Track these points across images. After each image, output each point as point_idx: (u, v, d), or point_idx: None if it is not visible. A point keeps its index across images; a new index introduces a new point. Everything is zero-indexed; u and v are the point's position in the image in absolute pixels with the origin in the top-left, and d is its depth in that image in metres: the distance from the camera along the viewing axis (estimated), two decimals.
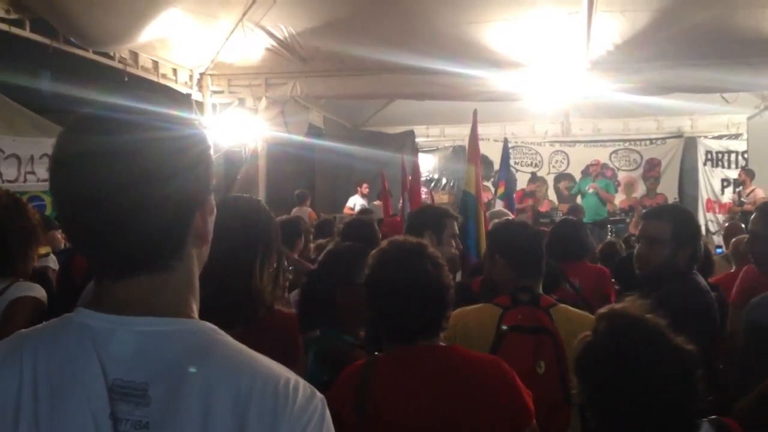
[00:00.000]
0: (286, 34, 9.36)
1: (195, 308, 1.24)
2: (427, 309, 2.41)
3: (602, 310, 2.14)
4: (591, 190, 13.34)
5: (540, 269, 3.24)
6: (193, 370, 1.13)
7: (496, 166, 16.04)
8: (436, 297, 2.43)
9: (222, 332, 1.21)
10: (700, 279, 3.33)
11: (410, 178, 8.28)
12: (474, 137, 6.20)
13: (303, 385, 1.19)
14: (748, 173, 12.57)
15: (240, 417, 1.11)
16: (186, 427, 1.10)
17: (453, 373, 2.33)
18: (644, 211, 4.70)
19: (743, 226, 7.30)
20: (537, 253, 3.28)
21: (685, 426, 1.95)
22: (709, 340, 3.02)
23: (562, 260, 4.56)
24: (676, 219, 3.37)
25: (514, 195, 8.00)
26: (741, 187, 12.48)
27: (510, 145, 16.05)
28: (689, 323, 2.77)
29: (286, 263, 3.21)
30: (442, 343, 2.45)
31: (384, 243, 2.58)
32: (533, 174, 16.12)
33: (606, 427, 2.02)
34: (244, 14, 8.92)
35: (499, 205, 7.28)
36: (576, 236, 5.34)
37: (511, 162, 15.97)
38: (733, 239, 5.79)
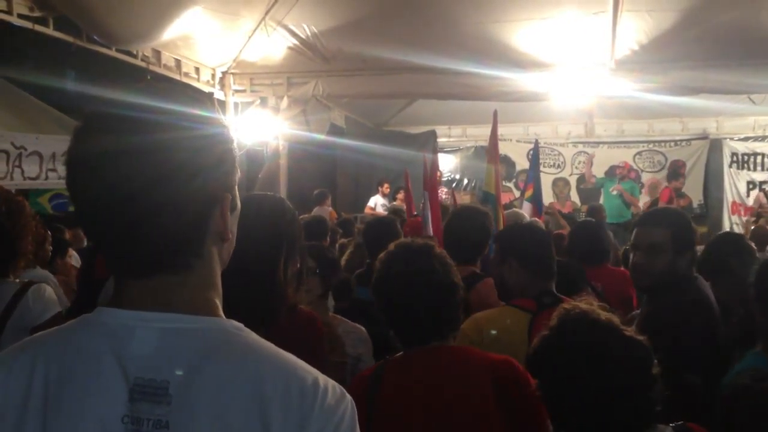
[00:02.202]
0: (309, 33, 9.36)
1: (219, 306, 1.22)
2: (436, 308, 2.41)
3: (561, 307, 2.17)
4: (615, 192, 13.23)
5: (553, 270, 3.25)
6: (216, 368, 1.11)
7: (519, 167, 16.05)
8: (445, 296, 2.44)
9: (246, 330, 1.20)
10: (702, 285, 3.23)
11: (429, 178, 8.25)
12: (494, 137, 6.17)
13: (332, 385, 1.17)
14: None
15: (263, 416, 1.09)
16: (206, 426, 1.09)
17: (466, 375, 2.33)
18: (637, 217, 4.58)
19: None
20: (549, 254, 3.29)
21: (642, 420, 1.95)
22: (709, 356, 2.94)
23: (583, 263, 4.52)
24: (675, 224, 3.26)
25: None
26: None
27: (532, 146, 16.08)
28: (690, 341, 2.74)
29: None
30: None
31: (391, 245, 2.59)
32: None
33: (562, 422, 2.04)
34: (266, 13, 8.93)
35: (526, 208, 7.21)
36: (597, 239, 5.24)
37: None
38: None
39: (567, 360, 1.98)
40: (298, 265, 2.55)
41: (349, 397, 1.18)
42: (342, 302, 4.52)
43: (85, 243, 6.89)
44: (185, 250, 1.18)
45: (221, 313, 1.22)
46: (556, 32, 8.98)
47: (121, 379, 1.10)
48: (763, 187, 12.53)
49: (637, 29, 8.87)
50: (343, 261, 5.31)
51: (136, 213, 1.11)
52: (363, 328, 3.81)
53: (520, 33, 9.09)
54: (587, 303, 2.11)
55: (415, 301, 2.38)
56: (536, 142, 9.18)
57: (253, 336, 1.19)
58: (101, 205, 1.13)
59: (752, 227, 9.44)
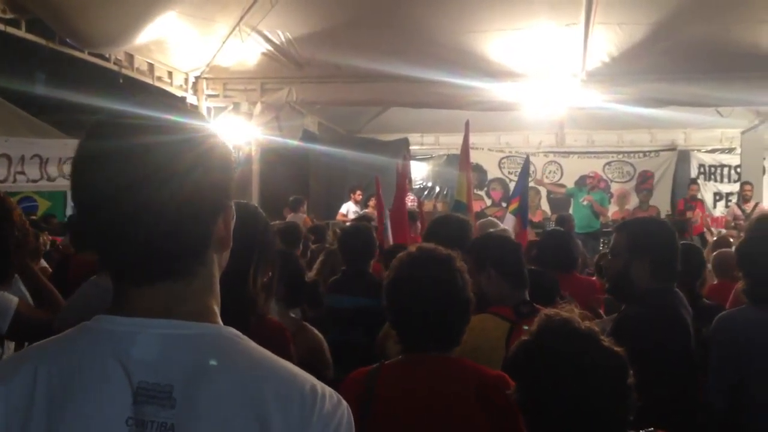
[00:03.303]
0: (283, 40, 9.36)
1: (217, 313, 1.24)
2: (449, 321, 2.40)
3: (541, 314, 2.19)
4: (585, 202, 13.36)
5: (526, 279, 3.29)
6: (218, 373, 1.13)
7: (490, 175, 16.16)
8: (459, 310, 2.43)
9: (245, 338, 1.21)
10: (675, 297, 3.18)
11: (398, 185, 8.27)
12: (465, 147, 6.21)
13: (330, 392, 1.20)
14: (750, 186, 12.36)
15: (264, 421, 1.12)
16: (210, 429, 1.11)
17: (460, 388, 2.31)
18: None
19: (731, 240, 7.34)
20: (522, 263, 3.35)
21: (616, 430, 1.97)
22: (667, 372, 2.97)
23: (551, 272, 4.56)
24: (633, 230, 3.30)
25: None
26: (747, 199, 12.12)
27: (504, 155, 16.23)
28: (647, 352, 2.76)
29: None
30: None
31: (413, 248, 2.56)
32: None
33: (536, 429, 2.05)
34: (241, 19, 8.91)
35: (509, 220, 7.19)
36: (565, 247, 5.30)
37: (505, 172, 16.09)
38: (714, 253, 5.81)
39: (544, 366, 1.98)
40: (270, 274, 2.55)
41: (345, 403, 1.21)
42: (315, 310, 4.52)
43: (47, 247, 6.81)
44: (190, 257, 1.20)
45: (219, 320, 1.23)
46: (528, 43, 9.08)
47: (124, 382, 1.12)
48: (730, 198, 12.72)
49: (608, 41, 8.99)
50: (314, 268, 5.30)
51: (138, 218, 1.13)
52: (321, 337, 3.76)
53: (493, 43, 9.17)
54: (568, 311, 2.12)
55: (429, 309, 2.36)
56: (527, 158, 9.17)
57: (252, 343, 1.21)
58: (107, 213, 1.14)
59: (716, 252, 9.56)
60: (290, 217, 10.44)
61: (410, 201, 13.41)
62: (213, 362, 1.14)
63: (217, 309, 1.24)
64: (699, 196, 12.54)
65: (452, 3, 8.68)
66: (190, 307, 1.19)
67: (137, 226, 1.13)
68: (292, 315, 3.73)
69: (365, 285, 4.49)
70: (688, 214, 12.66)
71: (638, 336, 2.96)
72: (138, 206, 1.12)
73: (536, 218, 14.59)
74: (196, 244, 1.20)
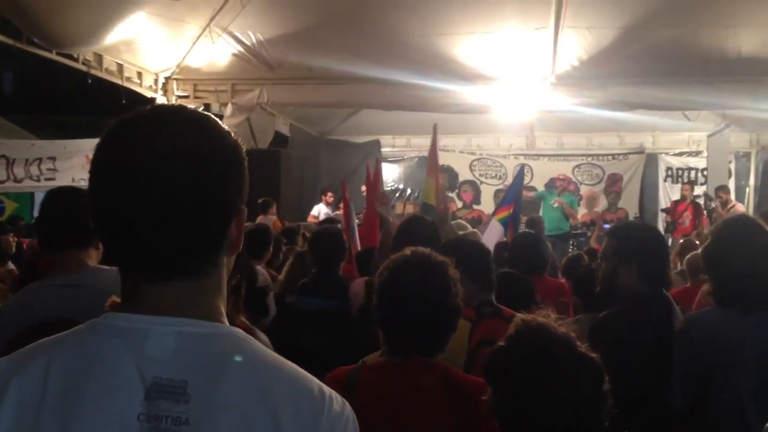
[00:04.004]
0: (254, 41, 9.33)
1: (224, 313, 1.25)
2: (435, 327, 2.39)
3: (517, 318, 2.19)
4: (556, 205, 13.46)
5: (493, 282, 3.34)
6: (232, 370, 1.15)
7: (461, 178, 16.23)
8: (449, 318, 2.42)
9: (253, 339, 1.24)
10: (660, 303, 3.26)
11: (365, 187, 8.26)
12: (433, 150, 6.24)
13: (335, 394, 1.23)
14: (725, 190, 12.48)
15: (277, 419, 1.13)
16: (224, 425, 1.12)
17: (441, 395, 2.30)
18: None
19: (697, 242, 7.42)
20: (491, 266, 3.39)
21: None
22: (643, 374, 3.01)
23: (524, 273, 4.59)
24: (622, 235, 3.41)
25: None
26: (726, 206, 12.14)
27: (475, 157, 16.30)
28: (623, 355, 2.80)
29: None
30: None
31: (407, 251, 2.52)
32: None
33: None
34: (211, 19, 8.87)
35: (495, 227, 7.17)
36: (536, 250, 5.36)
37: (476, 174, 16.17)
38: (688, 255, 5.89)
39: (520, 371, 1.99)
40: (238, 276, 2.54)
41: (348, 405, 1.24)
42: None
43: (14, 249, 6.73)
44: (205, 257, 1.21)
45: (227, 321, 1.25)
46: (498, 46, 9.14)
47: (137, 378, 1.12)
48: (697, 200, 12.85)
49: (577, 45, 9.08)
50: (283, 270, 5.29)
51: (164, 218, 1.14)
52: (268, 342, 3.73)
53: (463, 46, 9.22)
54: (545, 316, 2.12)
55: (420, 315, 2.35)
56: (522, 167, 9.17)
57: (259, 344, 1.23)
58: (127, 210, 1.15)
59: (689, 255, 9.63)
60: (260, 219, 10.39)
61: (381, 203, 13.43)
62: (227, 361, 1.16)
63: (224, 310, 1.25)
64: (691, 198, 12.65)
65: (423, 6, 8.71)
66: (202, 306, 1.20)
67: (160, 224, 1.14)
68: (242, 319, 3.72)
69: (335, 287, 4.49)
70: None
71: (611, 333, 3.04)
72: (163, 206, 1.14)
73: None
74: (212, 244, 1.21)
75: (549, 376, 1.95)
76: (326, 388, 1.22)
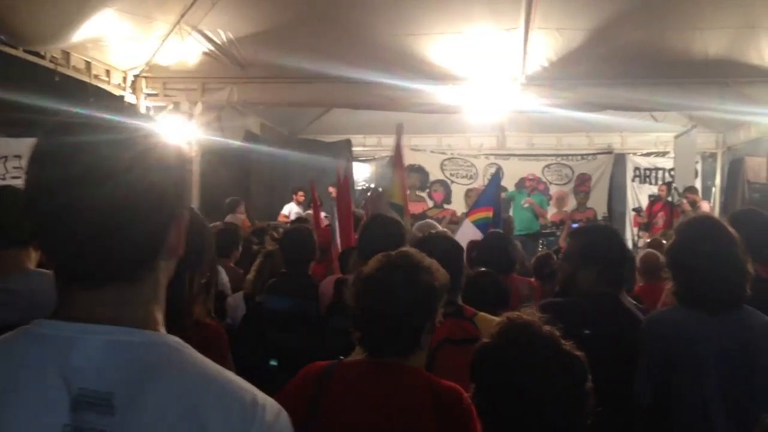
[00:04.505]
0: (224, 39, 9.27)
1: (161, 320, 1.23)
2: (417, 330, 2.37)
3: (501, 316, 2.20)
4: (526, 205, 13.55)
5: (460, 282, 3.34)
6: (159, 382, 1.13)
7: (432, 177, 16.27)
8: (429, 321, 2.40)
9: (188, 346, 1.21)
10: (612, 302, 3.30)
11: (336, 188, 8.24)
12: (398, 150, 6.27)
13: (270, 402, 1.21)
14: (694, 191, 12.60)
15: (203, 430, 1.11)
16: None
17: (411, 398, 2.29)
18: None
19: (664, 242, 7.50)
20: (460, 266, 3.39)
21: None
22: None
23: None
24: (586, 238, 3.51)
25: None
26: (695, 207, 12.23)
27: (446, 157, 16.36)
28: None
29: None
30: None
31: (395, 252, 2.50)
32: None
33: (494, 430, 2.05)
34: (181, 17, 8.79)
35: (467, 228, 7.17)
36: (504, 249, 5.42)
37: (447, 174, 16.22)
38: (641, 254, 5.98)
39: (504, 369, 2.00)
40: (208, 275, 2.52)
41: (284, 412, 1.22)
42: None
43: None
44: (141, 262, 1.19)
45: (163, 328, 1.23)
46: (469, 47, 9.17)
47: (63, 389, 1.10)
48: (667, 200, 12.97)
49: (547, 46, 9.14)
50: (252, 270, 5.27)
51: (100, 223, 1.12)
52: None
53: (434, 46, 9.24)
54: (530, 315, 2.13)
55: (401, 317, 2.33)
56: (498, 170, 9.16)
57: (194, 352, 1.21)
58: (59, 216, 1.13)
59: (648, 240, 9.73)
60: (228, 218, 10.34)
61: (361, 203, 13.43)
62: (155, 371, 1.13)
63: (160, 317, 1.23)
64: (670, 199, 12.78)
65: (394, 6, 8.72)
66: (135, 313, 1.18)
67: (96, 228, 1.12)
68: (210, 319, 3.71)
69: (305, 287, 4.49)
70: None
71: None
72: (85, 205, 1.12)
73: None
74: (146, 249, 1.20)
75: (533, 374, 1.96)
76: (260, 397, 1.19)
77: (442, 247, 3.38)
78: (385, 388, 2.31)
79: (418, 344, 2.38)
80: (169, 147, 1.23)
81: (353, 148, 15.91)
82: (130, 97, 9.91)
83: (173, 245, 1.24)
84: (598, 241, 3.46)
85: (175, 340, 1.20)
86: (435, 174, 16.32)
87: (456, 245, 3.55)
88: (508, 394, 1.98)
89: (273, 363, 2.33)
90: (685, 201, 11.88)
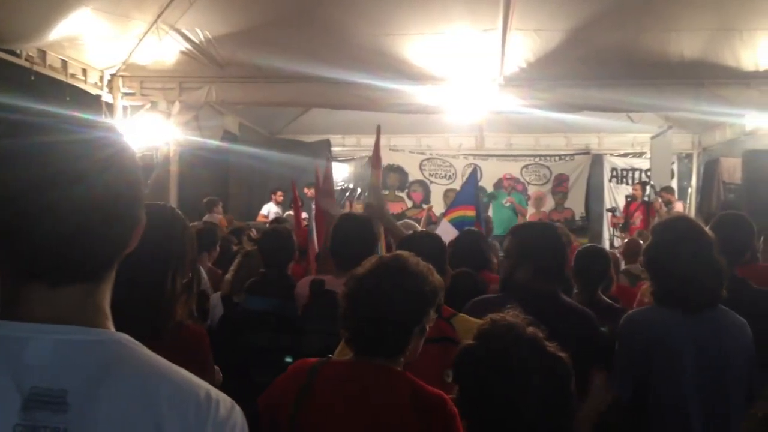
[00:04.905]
0: (202, 39, 9.22)
1: (110, 318, 1.24)
2: (406, 332, 2.36)
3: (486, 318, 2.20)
4: (508, 204, 13.62)
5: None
6: (113, 379, 1.13)
7: (411, 177, 16.30)
8: (423, 324, 2.40)
9: (139, 343, 1.22)
10: (546, 299, 3.29)
11: (313, 189, 8.23)
12: (376, 150, 6.28)
13: (223, 397, 1.22)
14: (669, 191, 12.75)
15: (160, 427, 1.12)
16: None
17: (393, 400, 2.29)
18: None
19: (641, 242, 7.57)
20: (443, 266, 3.35)
21: None
22: None
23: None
24: (520, 234, 3.61)
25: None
26: (669, 206, 12.42)
27: (425, 157, 16.39)
28: None
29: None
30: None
31: (390, 256, 2.51)
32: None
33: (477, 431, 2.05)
34: (158, 16, 8.73)
35: (445, 226, 7.19)
36: (478, 247, 5.45)
37: (426, 174, 16.26)
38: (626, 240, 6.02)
39: (488, 369, 2.00)
40: (189, 275, 2.50)
41: (238, 408, 1.23)
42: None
43: None
44: (108, 263, 1.21)
45: (112, 326, 1.23)
46: (447, 47, 9.19)
47: (13, 388, 1.10)
48: (644, 200, 13.11)
49: (525, 47, 9.18)
50: (230, 270, 5.25)
51: (73, 224, 1.13)
52: None
53: (412, 47, 9.25)
54: (514, 316, 2.13)
55: (392, 321, 2.32)
56: (475, 169, 9.16)
57: (146, 350, 1.22)
58: (14, 211, 1.12)
59: (626, 240, 9.81)
60: (206, 218, 10.31)
61: (345, 204, 13.42)
62: (108, 368, 1.14)
63: (109, 313, 1.24)
64: (647, 198, 12.90)
65: (372, 6, 8.72)
66: (90, 312, 1.19)
67: (56, 225, 1.12)
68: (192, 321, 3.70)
69: (283, 287, 4.47)
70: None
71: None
72: (52, 207, 1.12)
73: None
74: (114, 250, 1.21)
75: (516, 376, 1.97)
76: (213, 393, 1.21)
77: (425, 245, 3.36)
78: (368, 388, 2.31)
79: (406, 347, 2.38)
80: (131, 149, 1.25)
81: (332, 148, 15.90)
82: (107, 97, 9.83)
83: (130, 246, 1.25)
84: (532, 236, 3.58)
85: (127, 338, 1.21)
86: (414, 174, 16.35)
87: (439, 244, 3.53)
88: (492, 396, 1.98)
89: (288, 360, 2.32)
90: (659, 199, 12.02)
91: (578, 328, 3.25)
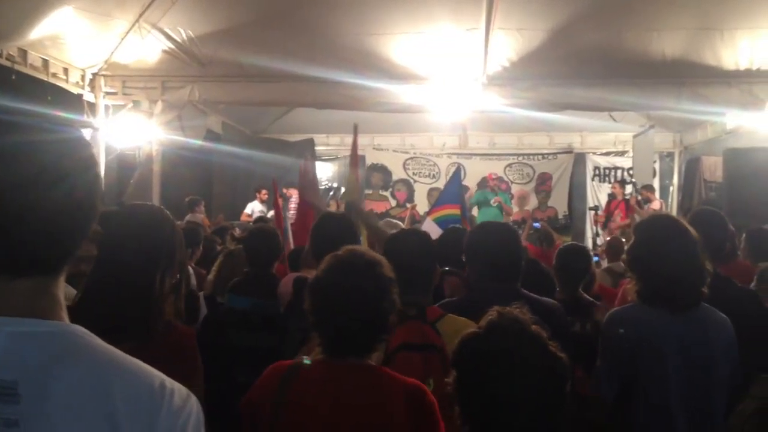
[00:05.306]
0: (185, 37, 9.18)
1: (65, 309, 1.24)
2: (372, 327, 2.36)
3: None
4: (495, 204, 13.67)
5: (431, 282, 3.26)
6: (66, 369, 1.14)
7: (395, 176, 16.31)
8: (384, 318, 2.39)
9: (92, 334, 1.22)
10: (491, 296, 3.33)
11: (293, 189, 8.24)
12: (354, 149, 6.30)
13: (178, 387, 1.22)
14: (649, 189, 12.86)
15: (112, 416, 1.13)
16: (57, 425, 1.11)
17: (375, 397, 2.30)
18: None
19: (623, 240, 7.62)
20: (431, 269, 3.31)
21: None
22: None
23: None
24: (471, 235, 3.73)
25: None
26: (646, 204, 12.52)
27: (409, 156, 16.41)
28: None
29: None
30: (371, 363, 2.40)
31: (343, 252, 2.49)
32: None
33: (471, 423, 2.05)
34: (140, 15, 8.69)
35: (428, 225, 7.19)
36: (461, 244, 5.42)
37: (409, 173, 16.27)
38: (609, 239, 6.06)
39: (489, 363, 1.99)
40: (177, 276, 2.50)
41: (194, 398, 1.24)
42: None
43: None
44: (68, 256, 1.21)
45: (66, 316, 1.23)
46: (431, 46, 9.21)
47: None
48: (626, 197, 13.20)
49: (507, 47, 9.21)
50: (213, 269, 5.23)
51: (24, 219, 1.13)
52: None
53: (396, 46, 9.26)
54: (520, 312, 2.13)
55: (355, 316, 2.32)
56: (458, 168, 9.16)
57: (99, 341, 1.22)
58: (4, 212, 1.13)
59: (608, 238, 9.87)
60: (188, 217, 10.27)
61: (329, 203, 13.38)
62: (61, 360, 1.14)
63: (64, 304, 1.24)
64: (626, 196, 13.00)
65: (355, 5, 8.72)
66: (46, 304, 1.19)
67: (32, 224, 1.13)
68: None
69: (269, 286, 4.46)
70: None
71: None
72: (35, 206, 1.13)
73: None
74: (75, 243, 1.21)
75: (515, 369, 1.96)
76: (168, 382, 1.21)
77: (412, 244, 3.32)
78: (351, 388, 2.31)
79: (374, 342, 2.39)
80: (90, 146, 1.26)
81: (316, 147, 15.87)
82: (88, 96, 9.78)
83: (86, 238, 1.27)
84: (478, 237, 3.64)
85: (78, 328, 1.21)
86: (398, 173, 16.37)
87: (427, 243, 3.44)
88: (489, 385, 1.97)
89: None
90: (634, 194, 12.12)
91: (547, 321, 3.26)
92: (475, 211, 13.77)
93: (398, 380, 2.37)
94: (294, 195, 8.88)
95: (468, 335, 2.10)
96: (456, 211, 7.80)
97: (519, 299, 3.28)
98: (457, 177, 8.51)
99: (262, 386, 2.36)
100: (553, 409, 1.98)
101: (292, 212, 8.16)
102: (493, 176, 14.85)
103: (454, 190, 8.30)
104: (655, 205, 12.35)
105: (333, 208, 12.77)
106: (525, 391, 1.95)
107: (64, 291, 1.25)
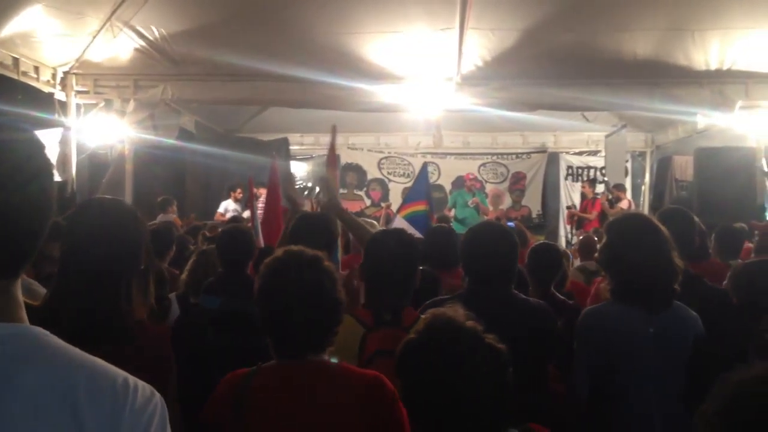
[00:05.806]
0: (157, 36, 9.11)
1: (24, 310, 1.24)
2: (319, 324, 2.36)
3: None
4: (473, 204, 13.71)
5: (411, 285, 3.20)
6: (28, 370, 1.13)
7: (370, 176, 16.31)
8: (330, 313, 2.39)
9: (52, 336, 1.21)
10: (475, 298, 3.25)
11: (263, 189, 8.21)
12: (332, 150, 6.29)
13: (142, 385, 1.22)
14: (620, 188, 13.00)
15: (76, 416, 1.12)
16: (22, 426, 1.10)
17: (334, 392, 2.30)
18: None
19: (596, 239, 7.68)
20: (412, 273, 3.25)
21: (498, 425, 2.03)
22: None
23: (436, 268, 4.64)
24: (465, 241, 3.58)
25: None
26: (616, 203, 12.62)
27: (383, 155, 16.42)
28: None
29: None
30: (327, 358, 2.40)
31: (279, 252, 2.50)
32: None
33: (421, 424, 2.08)
34: (112, 13, 8.61)
35: (401, 225, 7.18)
36: (449, 244, 5.41)
37: (384, 172, 16.28)
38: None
39: (430, 363, 2.00)
40: (146, 277, 2.47)
41: (158, 395, 1.24)
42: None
43: None
44: (28, 259, 1.21)
45: (26, 317, 1.23)
46: (405, 46, 9.23)
47: None
48: (596, 196, 13.33)
49: (481, 47, 9.25)
50: (186, 269, 5.19)
51: (24, 221, 1.15)
52: None
53: (371, 45, 9.26)
54: (453, 310, 2.16)
55: (300, 314, 2.31)
56: (425, 165, 9.17)
57: (60, 341, 1.21)
58: None
59: (580, 237, 9.95)
60: (160, 217, 10.18)
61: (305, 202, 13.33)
62: (23, 361, 1.14)
63: (23, 303, 1.24)
64: (595, 195, 13.11)
65: (330, 4, 8.70)
66: (7, 306, 1.19)
67: (3, 225, 1.13)
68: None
69: (243, 287, 4.43)
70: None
71: None
72: (6, 206, 1.13)
73: None
74: (30, 247, 1.21)
75: (459, 368, 1.98)
76: (132, 380, 1.21)
77: (393, 247, 3.25)
78: (311, 387, 2.31)
79: (326, 337, 2.39)
80: (44, 146, 1.25)
81: (291, 147, 15.82)
82: (59, 95, 9.66)
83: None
84: (472, 242, 3.51)
85: (39, 330, 1.21)
86: (372, 173, 16.38)
87: (408, 245, 3.32)
88: (435, 389, 1.99)
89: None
90: (604, 192, 12.23)
91: (535, 322, 3.27)
92: (452, 212, 13.81)
93: (356, 373, 2.39)
94: (263, 195, 8.85)
95: (406, 342, 2.12)
96: (423, 207, 7.84)
97: (510, 303, 3.31)
98: (424, 174, 8.54)
99: (219, 400, 2.35)
100: (498, 399, 2.01)
101: (260, 212, 8.12)
102: (471, 176, 14.89)
103: (421, 187, 8.34)
104: (624, 204, 12.48)
105: (308, 207, 12.72)
106: (467, 386, 1.97)
107: (22, 291, 1.24)
